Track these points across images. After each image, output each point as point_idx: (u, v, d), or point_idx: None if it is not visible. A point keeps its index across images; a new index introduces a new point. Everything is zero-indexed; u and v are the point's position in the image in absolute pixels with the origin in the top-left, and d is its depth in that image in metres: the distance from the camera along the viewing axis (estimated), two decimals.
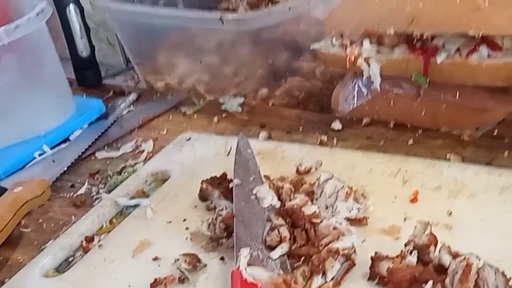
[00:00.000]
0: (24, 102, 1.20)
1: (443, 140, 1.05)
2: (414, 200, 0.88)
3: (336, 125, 1.14)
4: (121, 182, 1.04)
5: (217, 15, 1.21)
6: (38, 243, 0.92)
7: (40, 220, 0.98)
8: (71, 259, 0.88)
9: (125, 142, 1.21)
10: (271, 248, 0.78)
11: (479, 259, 0.70)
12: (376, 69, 1.06)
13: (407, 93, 1.08)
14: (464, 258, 0.71)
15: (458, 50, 1.01)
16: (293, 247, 0.79)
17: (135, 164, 1.11)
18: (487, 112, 1.05)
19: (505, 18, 0.98)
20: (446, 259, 0.72)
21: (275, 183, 0.90)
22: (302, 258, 0.77)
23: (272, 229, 0.80)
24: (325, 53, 1.15)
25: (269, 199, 0.86)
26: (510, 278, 0.69)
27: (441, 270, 0.72)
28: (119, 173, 1.09)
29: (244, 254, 0.73)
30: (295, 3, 1.20)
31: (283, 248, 0.78)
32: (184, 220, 0.90)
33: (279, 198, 0.87)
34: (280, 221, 0.81)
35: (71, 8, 1.45)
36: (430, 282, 0.69)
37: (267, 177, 0.93)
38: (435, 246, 0.75)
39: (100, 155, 1.17)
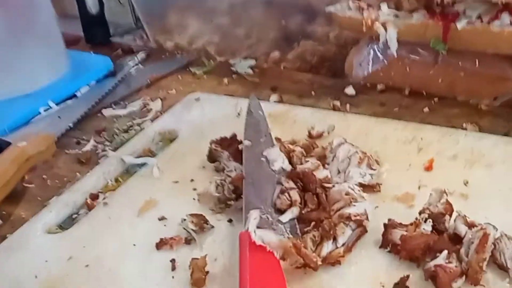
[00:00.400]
0: (14, 57, 1.18)
1: (459, 109, 1.03)
2: (429, 168, 0.86)
3: (350, 90, 1.12)
4: (128, 140, 1.02)
5: None
6: (41, 199, 0.90)
7: (44, 176, 0.96)
8: (75, 216, 0.86)
9: (132, 100, 1.18)
10: (281, 211, 0.77)
11: (496, 230, 0.68)
12: (393, 33, 1.04)
13: (424, 59, 1.06)
14: (481, 228, 0.68)
15: (479, 16, 0.99)
16: (303, 212, 0.77)
17: (143, 122, 1.09)
18: (506, 81, 1.03)
19: None
20: (462, 229, 0.70)
21: (286, 146, 0.88)
22: (313, 223, 0.75)
23: (282, 192, 0.78)
24: (341, 16, 1.12)
25: (280, 161, 0.84)
26: None
27: (456, 239, 0.70)
28: (126, 131, 1.07)
29: (254, 216, 0.71)
30: None
31: (293, 212, 0.76)
32: (192, 180, 0.88)
33: (290, 162, 0.85)
34: (290, 184, 0.79)
35: None
36: (445, 252, 0.67)
37: (278, 140, 0.90)
38: (451, 215, 0.73)
39: (107, 112, 1.15)
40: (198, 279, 0.70)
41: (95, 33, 1.49)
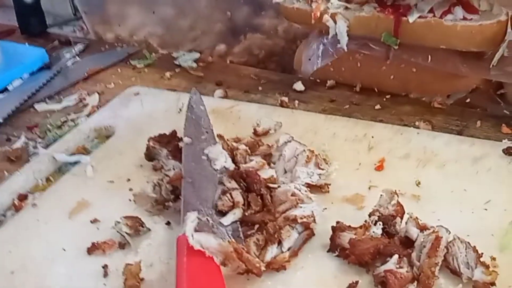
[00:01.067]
0: None
1: (412, 106, 1.01)
2: (380, 168, 0.84)
3: (298, 86, 1.09)
4: (61, 137, 0.98)
5: None
6: None
7: None
8: (1, 218, 0.81)
9: (68, 94, 1.13)
10: (223, 213, 0.73)
11: (449, 233, 0.67)
12: (343, 26, 1.01)
13: (375, 54, 1.03)
14: (433, 231, 0.67)
15: (431, 10, 0.97)
16: (246, 214, 0.74)
17: (78, 118, 1.04)
18: (460, 78, 1.02)
19: None
20: (413, 232, 0.68)
21: (230, 143, 0.85)
22: (257, 226, 0.72)
23: (224, 193, 0.75)
24: (289, 7, 1.09)
25: (222, 160, 0.81)
26: (481, 254, 0.65)
27: (408, 243, 0.68)
28: (59, 127, 1.02)
29: (191, 218, 0.67)
30: None
31: (235, 214, 0.73)
32: (128, 180, 0.84)
33: (233, 160, 0.82)
34: (233, 184, 0.76)
35: None
36: (395, 256, 0.65)
37: (220, 137, 0.87)
38: (402, 217, 0.71)
39: (40, 107, 1.10)
40: (131, 286, 0.66)
41: (30, 23, 1.43)
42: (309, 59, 1.12)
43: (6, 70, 1.19)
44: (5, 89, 1.16)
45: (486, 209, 0.74)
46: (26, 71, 1.21)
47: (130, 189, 0.82)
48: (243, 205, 0.74)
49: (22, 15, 1.42)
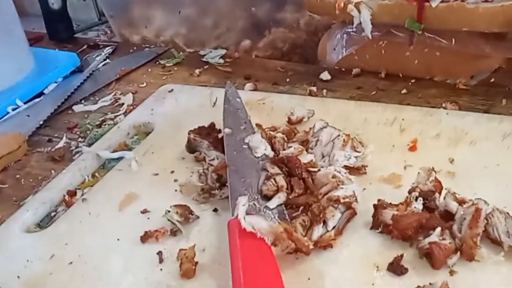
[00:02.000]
0: None
1: (437, 89, 1.03)
2: (413, 148, 0.86)
3: (325, 75, 1.11)
4: (102, 135, 1.00)
5: None
6: (16, 199, 0.88)
7: (17, 176, 0.94)
8: (53, 214, 0.84)
9: (102, 95, 1.17)
10: (268, 198, 0.76)
11: (488, 205, 0.69)
12: (367, 15, 1.03)
13: (399, 40, 1.06)
14: (472, 204, 0.69)
15: None
16: (290, 197, 0.76)
17: (115, 117, 1.07)
18: (483, 59, 1.04)
19: None
20: (453, 206, 0.70)
21: (268, 132, 0.88)
22: (301, 208, 0.74)
23: (267, 178, 0.78)
24: (312, 0, 1.12)
25: (262, 148, 0.83)
26: None
27: (448, 216, 0.70)
28: (99, 126, 1.05)
29: (242, 202, 0.69)
30: None
31: (280, 198, 0.75)
32: (172, 172, 0.87)
33: (272, 148, 0.85)
34: (276, 170, 0.78)
35: None
36: (438, 229, 0.67)
37: (259, 126, 0.90)
38: (440, 192, 0.73)
39: (78, 108, 1.13)
40: (187, 270, 0.69)
41: (58, 29, 1.46)
42: (334, 49, 1.14)
43: (41, 75, 1.22)
44: (41, 93, 1.19)
45: None
46: (60, 75, 1.24)
47: (175, 180, 0.85)
48: (287, 189, 0.76)
49: (50, 21, 1.46)
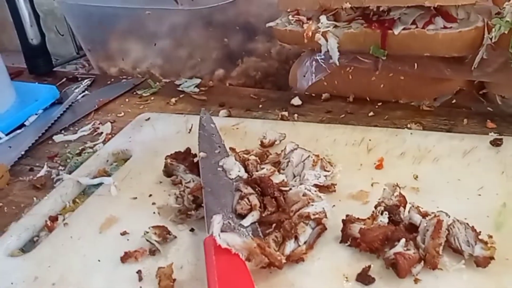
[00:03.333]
0: None
1: (402, 111, 1.07)
2: (379, 166, 0.89)
3: (296, 101, 1.15)
4: (82, 163, 1.02)
5: None
6: (0, 226, 0.90)
7: (0, 204, 0.96)
8: (36, 239, 0.86)
9: (82, 125, 1.19)
10: (242, 216, 0.78)
11: (449, 216, 0.72)
12: (334, 43, 1.07)
13: (365, 66, 1.09)
14: (434, 216, 0.72)
15: (414, 22, 1.03)
16: (263, 215, 0.78)
17: (94, 145, 1.09)
18: (445, 82, 1.08)
19: None
20: (417, 218, 0.73)
21: (241, 155, 0.90)
22: (274, 225, 0.77)
23: (241, 198, 0.80)
24: (282, 29, 1.16)
25: (236, 170, 0.86)
26: (479, 232, 0.70)
27: (412, 229, 0.73)
28: (79, 154, 1.07)
29: (217, 220, 0.72)
30: None
31: (253, 216, 0.78)
32: (150, 195, 0.89)
33: (246, 170, 0.87)
34: (249, 190, 0.81)
35: None
36: (403, 240, 0.70)
37: (232, 150, 0.93)
38: (405, 206, 0.76)
39: (58, 138, 1.15)
40: (166, 286, 0.71)
41: (38, 64, 1.49)
42: (304, 76, 1.18)
43: (22, 108, 1.24)
44: (23, 125, 1.21)
45: (479, 195, 0.80)
46: (40, 107, 1.26)
47: (153, 203, 0.87)
48: (260, 207, 0.79)
49: (29, 56, 1.48)
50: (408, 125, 1.01)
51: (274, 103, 1.17)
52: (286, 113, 1.10)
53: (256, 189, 0.81)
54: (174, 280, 0.72)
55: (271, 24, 1.18)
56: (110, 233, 0.83)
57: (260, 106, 1.16)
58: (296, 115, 1.10)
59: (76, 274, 0.76)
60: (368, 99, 1.12)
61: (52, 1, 1.49)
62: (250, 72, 1.33)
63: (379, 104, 1.10)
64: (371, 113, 1.07)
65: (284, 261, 0.71)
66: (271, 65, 1.34)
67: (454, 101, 1.08)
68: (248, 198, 0.79)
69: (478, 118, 1.01)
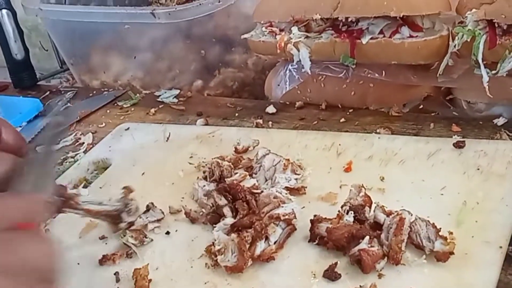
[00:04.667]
0: None
1: (372, 117, 1.09)
2: (348, 169, 0.92)
3: (270, 109, 1.17)
4: (63, 172, 1.04)
5: (149, 9, 1.23)
6: None
7: None
8: None
9: (64, 136, 1.20)
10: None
11: (411, 214, 0.74)
12: (305, 53, 1.09)
13: (336, 75, 1.12)
14: (397, 214, 0.74)
15: (381, 31, 1.05)
16: (236, 219, 0.80)
17: (76, 155, 1.11)
18: (412, 88, 1.10)
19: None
20: (381, 217, 0.76)
21: (214, 161, 0.92)
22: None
23: (217, 208, 0.83)
24: (256, 41, 1.18)
25: None
26: (440, 229, 0.73)
27: (377, 227, 0.75)
28: (61, 164, 1.09)
29: None
30: None
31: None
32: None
33: (221, 176, 0.90)
34: (223, 201, 0.83)
35: (4, 13, 1.45)
36: (367, 237, 0.72)
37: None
38: (370, 206, 0.79)
39: (41, 149, 1.16)
40: (141, 287, 0.73)
41: (22, 77, 1.50)
42: (278, 85, 1.21)
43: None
44: None
45: (442, 194, 0.82)
46: (24, 119, 1.28)
47: None
48: (233, 217, 0.82)
49: (14, 71, 1.50)
50: (378, 130, 1.03)
51: (250, 111, 1.19)
52: (261, 121, 1.12)
53: (228, 197, 0.83)
54: (150, 280, 0.74)
55: (246, 35, 1.20)
56: (89, 237, 0.84)
57: (237, 114, 1.18)
58: (270, 122, 1.12)
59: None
60: (340, 106, 1.14)
61: (36, 17, 1.50)
62: (227, 82, 1.35)
63: (350, 110, 1.12)
64: (343, 120, 1.09)
65: (250, 262, 0.74)
66: (247, 75, 1.36)
67: (421, 106, 1.11)
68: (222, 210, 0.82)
69: (444, 122, 1.03)
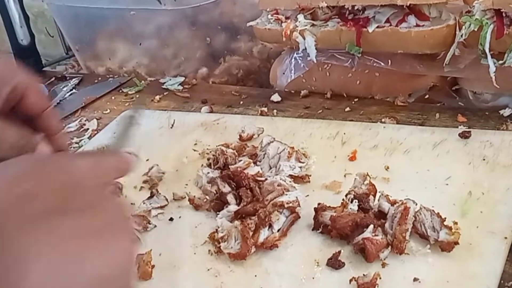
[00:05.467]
0: None
1: (378, 106, 1.08)
2: (353, 158, 0.91)
3: (275, 97, 1.16)
4: None
5: None
6: None
7: None
8: None
9: (69, 122, 1.20)
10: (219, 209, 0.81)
11: (416, 204, 0.73)
12: (311, 41, 1.08)
13: (342, 64, 1.11)
14: (402, 203, 0.73)
15: (388, 20, 1.04)
16: (240, 206, 0.80)
17: (80, 141, 1.11)
18: (418, 78, 1.09)
19: None
20: (385, 206, 0.75)
21: (219, 148, 0.92)
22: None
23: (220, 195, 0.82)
24: (261, 28, 1.17)
25: None
26: (445, 218, 0.72)
27: (381, 216, 0.75)
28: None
29: None
30: None
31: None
32: (135, 187, 0.91)
33: (225, 163, 0.89)
34: (227, 188, 0.83)
35: None
36: (371, 226, 0.72)
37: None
38: (374, 195, 0.78)
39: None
40: (144, 272, 0.72)
41: (28, 63, 1.47)
42: (283, 73, 1.20)
43: None
44: None
45: (447, 184, 0.82)
46: None
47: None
48: (237, 204, 0.81)
49: (19, 57, 1.49)
50: (383, 120, 1.02)
51: (255, 99, 1.18)
52: (265, 109, 1.11)
53: (232, 185, 0.83)
54: (153, 266, 0.73)
55: (252, 23, 1.19)
56: None
57: (241, 102, 1.18)
58: (275, 110, 1.11)
59: None
60: (345, 95, 1.14)
61: (42, 3, 1.50)
62: (232, 70, 1.34)
63: (356, 100, 1.11)
64: (348, 109, 1.09)
65: (253, 250, 0.73)
66: (253, 63, 1.35)
67: (427, 96, 1.10)
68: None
69: (450, 112, 1.02)
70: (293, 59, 1.18)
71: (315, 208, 0.77)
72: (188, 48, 1.35)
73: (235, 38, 1.34)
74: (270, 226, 0.76)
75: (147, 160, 0.97)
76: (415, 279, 0.67)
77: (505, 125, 0.95)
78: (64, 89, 1.35)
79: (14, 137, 0.66)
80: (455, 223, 0.72)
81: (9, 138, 0.65)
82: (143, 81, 1.33)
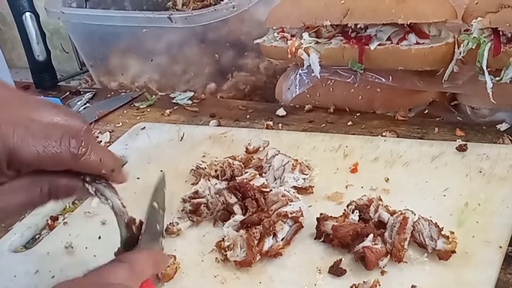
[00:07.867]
0: None
1: (379, 120, 1.09)
2: (354, 170, 0.92)
3: (281, 111, 1.17)
4: None
5: (166, 14, 1.24)
6: (5, 226, 0.92)
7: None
8: (37, 236, 0.89)
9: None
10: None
11: (414, 214, 0.74)
12: (315, 58, 1.10)
13: (345, 80, 1.12)
14: (401, 213, 0.74)
15: (389, 38, 1.06)
16: (246, 216, 0.81)
17: None
18: (418, 94, 1.10)
19: (429, 7, 1.03)
20: (385, 216, 0.76)
21: (226, 160, 0.93)
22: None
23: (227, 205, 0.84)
24: (268, 46, 1.18)
25: None
26: (442, 228, 0.73)
27: (381, 226, 0.76)
28: None
29: None
30: (238, 1, 1.22)
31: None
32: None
33: (232, 174, 0.90)
34: (233, 199, 0.84)
35: (27, 16, 1.46)
36: (371, 235, 0.73)
37: None
38: (377, 209, 0.79)
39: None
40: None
41: (44, 78, 1.51)
42: (288, 88, 1.21)
43: None
44: None
45: (444, 195, 0.83)
46: None
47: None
48: (242, 214, 0.82)
49: (36, 72, 1.51)
50: (384, 133, 1.03)
51: (261, 113, 1.19)
52: (271, 123, 1.12)
53: (238, 195, 0.84)
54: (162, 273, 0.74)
55: (258, 41, 1.21)
56: (107, 229, 0.85)
57: (248, 116, 1.19)
58: (280, 124, 1.13)
59: (75, 268, 0.77)
60: (347, 109, 1.15)
61: (57, 20, 1.52)
62: (239, 85, 1.36)
63: (358, 114, 1.12)
64: (350, 123, 1.10)
65: (258, 258, 0.74)
66: (259, 79, 1.37)
67: (427, 111, 1.11)
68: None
69: (449, 126, 1.03)
70: (298, 75, 1.19)
71: (317, 218, 0.78)
72: (197, 64, 1.37)
73: (243, 55, 1.36)
74: (275, 235, 0.77)
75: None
76: (413, 286, 0.68)
77: (501, 139, 0.96)
78: (78, 103, 1.37)
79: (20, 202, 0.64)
80: (452, 232, 0.73)
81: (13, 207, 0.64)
82: (154, 96, 1.35)
